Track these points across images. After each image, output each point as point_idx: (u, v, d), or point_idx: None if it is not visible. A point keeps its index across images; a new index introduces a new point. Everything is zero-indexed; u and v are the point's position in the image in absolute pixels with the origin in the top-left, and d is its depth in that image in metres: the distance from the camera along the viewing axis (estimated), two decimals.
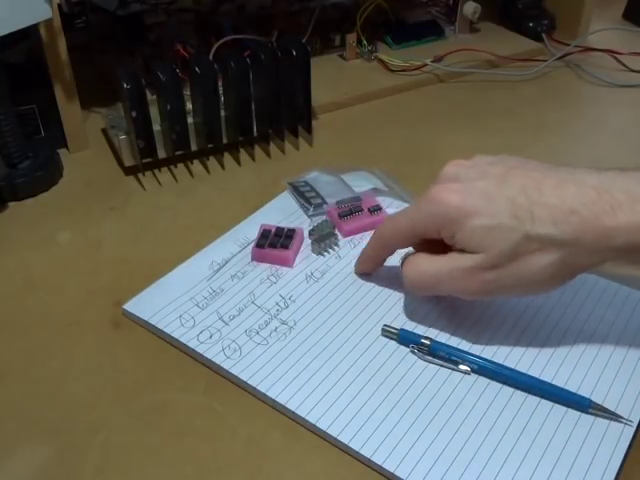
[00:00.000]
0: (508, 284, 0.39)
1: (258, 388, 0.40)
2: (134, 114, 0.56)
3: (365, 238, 0.51)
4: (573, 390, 0.39)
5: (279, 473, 0.36)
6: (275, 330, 0.43)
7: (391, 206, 0.54)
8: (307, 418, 0.38)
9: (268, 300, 0.46)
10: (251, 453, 0.37)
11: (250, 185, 0.59)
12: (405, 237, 0.43)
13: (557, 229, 0.37)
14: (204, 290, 0.47)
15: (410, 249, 0.44)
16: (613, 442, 0.37)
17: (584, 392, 0.39)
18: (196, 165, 0.62)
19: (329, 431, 0.37)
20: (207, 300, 0.46)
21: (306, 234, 0.51)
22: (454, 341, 0.42)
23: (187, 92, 0.59)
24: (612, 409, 0.38)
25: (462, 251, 0.39)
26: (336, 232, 0.51)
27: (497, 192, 0.38)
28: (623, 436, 0.37)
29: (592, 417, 0.38)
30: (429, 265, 0.41)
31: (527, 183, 0.38)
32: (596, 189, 0.37)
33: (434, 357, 0.41)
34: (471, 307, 0.45)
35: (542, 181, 0.38)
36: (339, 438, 0.37)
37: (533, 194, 0.38)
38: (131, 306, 0.45)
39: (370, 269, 0.47)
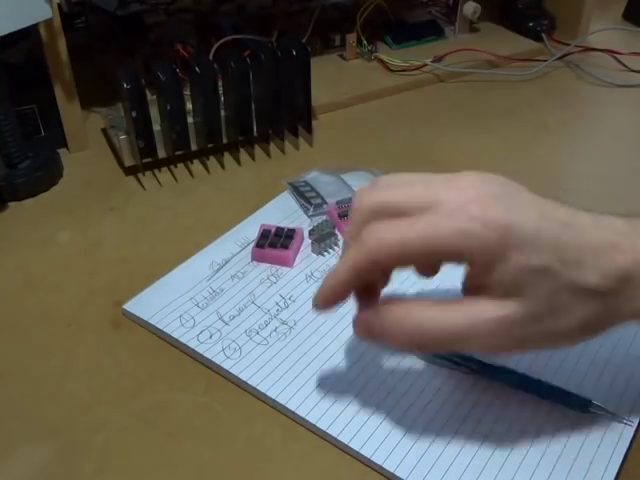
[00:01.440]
0: (539, 339, 0.31)
1: (258, 388, 0.40)
2: (134, 114, 0.56)
3: None
4: (573, 390, 0.39)
5: (279, 473, 0.36)
6: (275, 330, 0.43)
7: None
8: (307, 418, 0.38)
9: (268, 300, 0.46)
10: (251, 453, 0.37)
11: (250, 185, 0.59)
12: (415, 257, 0.32)
13: (600, 275, 0.30)
14: (204, 290, 0.47)
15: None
16: (613, 442, 0.37)
17: (584, 392, 0.39)
18: (196, 165, 0.62)
19: (329, 431, 0.37)
20: (207, 300, 0.46)
21: (306, 234, 0.51)
22: None
23: (187, 92, 0.59)
24: (612, 409, 0.38)
25: (488, 294, 0.30)
26: (336, 232, 0.51)
27: (548, 213, 0.31)
28: (623, 436, 0.37)
29: (592, 417, 0.38)
30: (440, 318, 0.31)
31: (567, 213, 0.31)
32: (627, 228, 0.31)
33: (434, 357, 0.41)
34: None
35: (576, 216, 0.32)
36: (339, 438, 0.37)
37: (572, 231, 0.31)
38: (131, 306, 0.45)
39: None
